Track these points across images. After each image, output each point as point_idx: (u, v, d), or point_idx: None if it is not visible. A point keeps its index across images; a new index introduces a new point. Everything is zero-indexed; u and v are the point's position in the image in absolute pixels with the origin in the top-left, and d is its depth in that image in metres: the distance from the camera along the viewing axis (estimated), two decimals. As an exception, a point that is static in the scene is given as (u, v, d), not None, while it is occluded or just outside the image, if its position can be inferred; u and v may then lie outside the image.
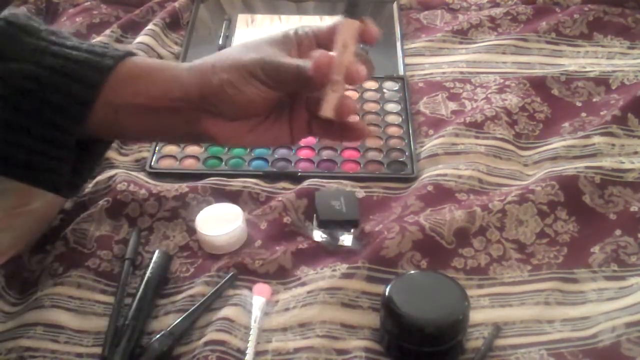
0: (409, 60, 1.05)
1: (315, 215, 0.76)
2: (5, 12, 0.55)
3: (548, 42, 1.07)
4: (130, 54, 0.56)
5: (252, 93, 0.52)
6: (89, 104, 0.54)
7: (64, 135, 0.54)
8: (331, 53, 0.51)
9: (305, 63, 0.51)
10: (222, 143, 0.57)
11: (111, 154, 0.87)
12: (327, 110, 0.52)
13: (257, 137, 0.57)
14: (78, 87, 0.54)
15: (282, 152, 0.89)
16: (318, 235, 0.77)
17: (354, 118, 0.56)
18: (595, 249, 0.76)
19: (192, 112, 0.55)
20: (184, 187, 0.81)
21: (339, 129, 0.56)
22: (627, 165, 0.83)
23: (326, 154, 0.89)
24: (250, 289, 0.71)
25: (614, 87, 0.97)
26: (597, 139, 0.88)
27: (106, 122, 0.55)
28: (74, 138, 0.55)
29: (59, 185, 0.57)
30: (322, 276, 0.72)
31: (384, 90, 0.99)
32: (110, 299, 0.71)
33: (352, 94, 0.97)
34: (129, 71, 0.55)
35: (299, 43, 0.54)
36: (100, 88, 0.54)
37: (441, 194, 0.81)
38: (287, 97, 0.57)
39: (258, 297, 0.70)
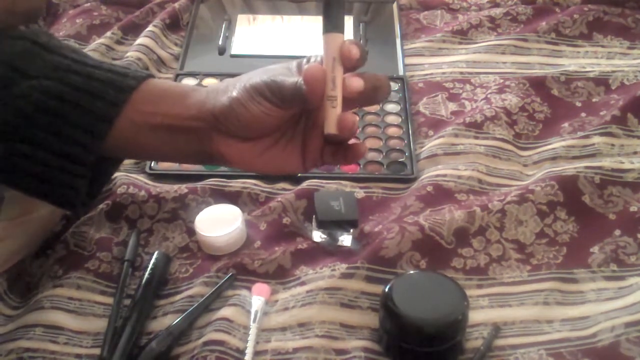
0: (408, 60, 1.05)
1: (314, 215, 0.76)
2: (26, 30, 0.56)
3: (548, 42, 1.07)
4: (151, 75, 0.58)
5: (257, 111, 0.54)
6: (111, 121, 0.55)
7: (84, 152, 0.55)
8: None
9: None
10: (233, 164, 0.58)
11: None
12: (330, 126, 0.53)
13: (267, 162, 0.58)
14: (101, 105, 0.55)
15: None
16: (317, 236, 0.77)
17: (354, 140, 0.57)
18: (595, 249, 0.76)
19: (205, 131, 0.56)
20: (183, 188, 0.81)
21: (344, 151, 0.56)
22: (627, 166, 0.83)
23: (326, 154, 0.89)
24: (249, 289, 0.71)
25: (613, 88, 0.97)
26: (596, 139, 0.88)
27: (123, 141, 0.56)
28: (93, 155, 0.55)
29: (74, 201, 0.58)
30: (321, 276, 0.72)
31: (384, 91, 0.99)
32: (109, 300, 0.71)
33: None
34: (150, 91, 0.57)
35: None
36: (122, 107, 0.55)
37: (441, 195, 0.81)
38: (295, 118, 0.58)
39: (257, 296, 0.70)
